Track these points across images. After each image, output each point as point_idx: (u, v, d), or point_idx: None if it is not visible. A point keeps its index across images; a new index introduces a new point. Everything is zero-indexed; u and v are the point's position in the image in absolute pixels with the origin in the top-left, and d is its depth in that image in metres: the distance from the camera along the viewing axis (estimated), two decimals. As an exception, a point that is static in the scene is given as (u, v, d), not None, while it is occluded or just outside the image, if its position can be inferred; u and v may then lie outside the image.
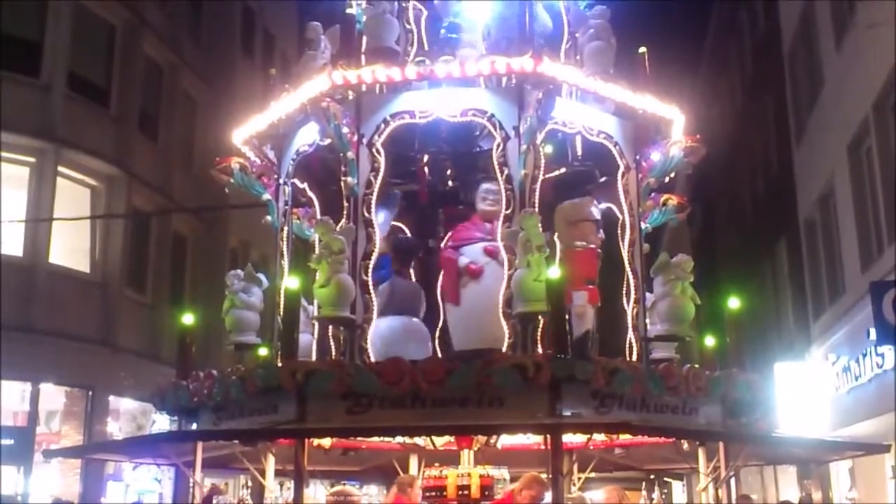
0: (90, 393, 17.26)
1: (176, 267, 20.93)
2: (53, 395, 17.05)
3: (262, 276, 8.35)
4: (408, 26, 8.60)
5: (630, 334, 7.96)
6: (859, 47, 14.17)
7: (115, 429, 18.13)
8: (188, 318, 8.22)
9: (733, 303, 7.92)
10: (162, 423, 15.99)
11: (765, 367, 17.05)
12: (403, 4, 8.45)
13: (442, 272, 8.02)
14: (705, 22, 29.02)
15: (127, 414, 18.68)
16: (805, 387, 16.55)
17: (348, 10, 8.72)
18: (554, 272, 6.50)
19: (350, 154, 7.47)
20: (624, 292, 8.05)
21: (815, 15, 16.92)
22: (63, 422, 17.23)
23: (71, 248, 17.54)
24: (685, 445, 7.91)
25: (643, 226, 8.47)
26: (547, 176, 7.94)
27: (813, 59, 17.28)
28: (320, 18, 8.75)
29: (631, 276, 8.05)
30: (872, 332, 10.80)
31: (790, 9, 18.96)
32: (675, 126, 8.40)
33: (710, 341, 8.56)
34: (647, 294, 8.16)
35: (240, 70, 24.01)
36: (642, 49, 8.52)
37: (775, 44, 20.28)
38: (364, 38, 8.28)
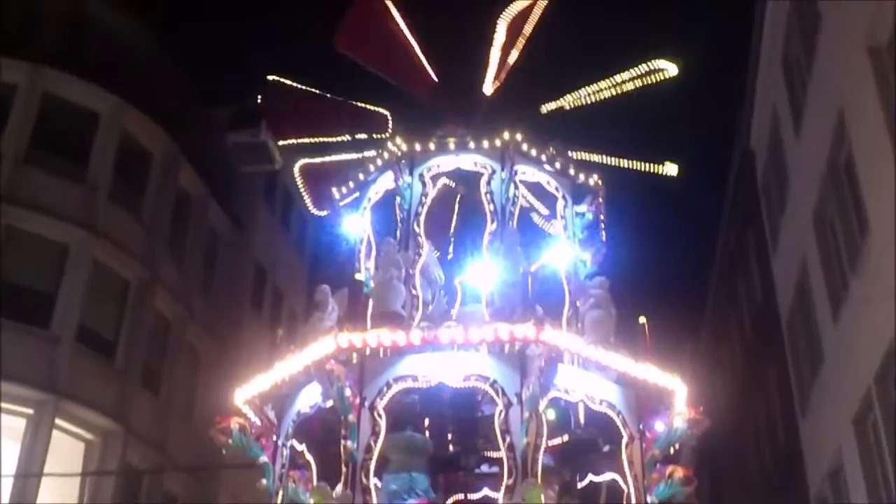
0: None
1: (163, 527, 20.06)
2: None
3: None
4: (413, 292, 8.84)
5: None
6: (856, 320, 14.39)
7: None
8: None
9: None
10: None
11: None
12: (410, 272, 8.74)
13: None
14: (704, 291, 29.77)
15: None
16: None
17: (356, 276, 9.02)
18: (558, 548, 6.22)
19: (351, 417, 7.43)
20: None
21: (811, 288, 17.36)
22: None
23: (58, 504, 16.93)
24: None
25: (649, 499, 8.21)
26: (550, 444, 7.82)
27: (811, 330, 17.51)
28: (329, 280, 9.00)
29: (639, 556, 7.69)
30: None
31: (786, 283, 19.51)
32: (678, 396, 8.38)
33: None
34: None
35: (247, 324, 24.28)
36: (642, 319, 8.69)
37: (773, 314, 20.65)
38: (371, 302, 8.49)
